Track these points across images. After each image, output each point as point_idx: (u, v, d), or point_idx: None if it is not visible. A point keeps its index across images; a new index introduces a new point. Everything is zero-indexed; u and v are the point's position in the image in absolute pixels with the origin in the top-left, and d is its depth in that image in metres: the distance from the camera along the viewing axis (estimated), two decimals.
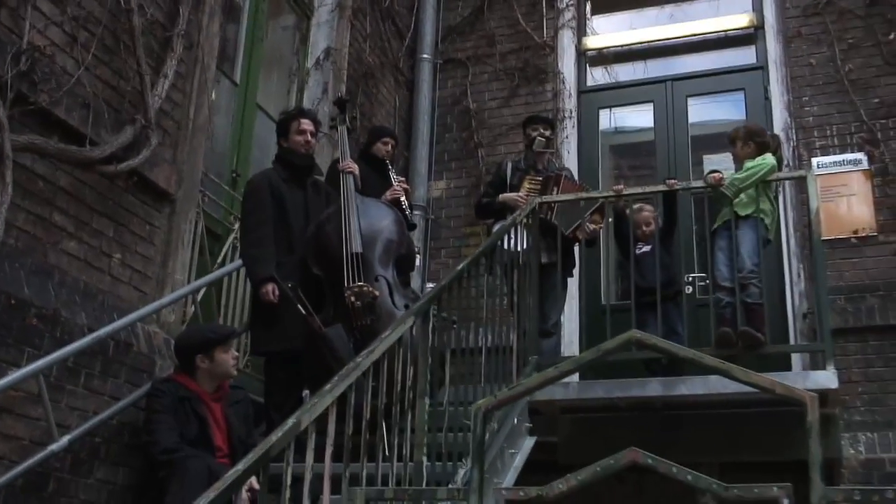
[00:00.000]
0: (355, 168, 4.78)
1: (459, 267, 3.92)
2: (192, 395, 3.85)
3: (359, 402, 2.94)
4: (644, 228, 5.28)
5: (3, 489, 3.26)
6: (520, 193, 5.44)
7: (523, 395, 3.26)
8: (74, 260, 3.90)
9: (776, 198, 5.56)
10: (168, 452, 3.58)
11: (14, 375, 3.28)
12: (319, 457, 2.68)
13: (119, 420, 3.87)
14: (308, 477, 2.57)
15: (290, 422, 2.50)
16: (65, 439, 3.50)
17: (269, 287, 4.32)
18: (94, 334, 3.71)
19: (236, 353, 4.09)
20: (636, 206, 5.34)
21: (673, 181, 5.09)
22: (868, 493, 2.04)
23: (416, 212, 6.97)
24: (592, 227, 5.35)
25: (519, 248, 4.77)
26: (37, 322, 3.51)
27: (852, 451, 5.42)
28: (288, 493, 2.47)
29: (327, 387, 2.69)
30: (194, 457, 3.55)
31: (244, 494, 3.38)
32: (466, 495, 2.30)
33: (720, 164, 5.87)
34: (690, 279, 6.02)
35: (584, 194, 5.20)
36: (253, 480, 3.31)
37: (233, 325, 4.82)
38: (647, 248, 5.19)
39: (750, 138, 5.06)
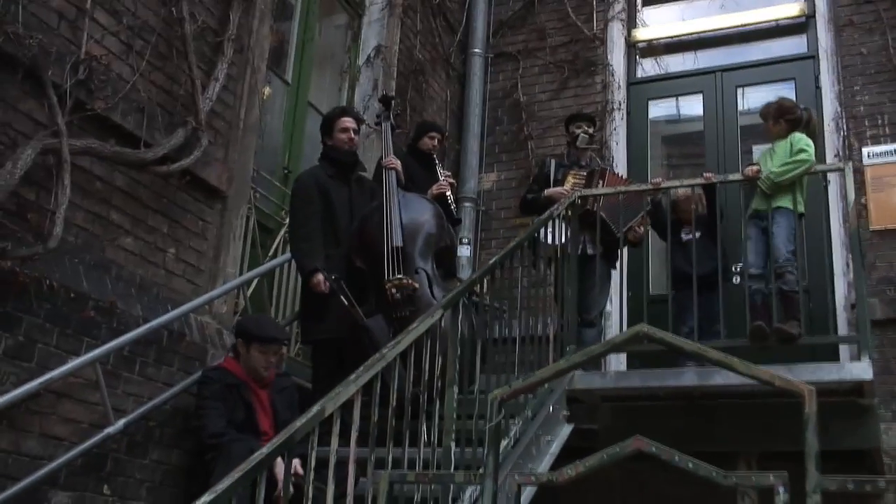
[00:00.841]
0: (397, 164, 4.92)
1: (492, 260, 4.04)
2: (240, 382, 4.06)
3: (386, 391, 3.11)
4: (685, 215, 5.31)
5: (64, 468, 3.53)
6: (565, 187, 5.51)
7: (536, 386, 3.39)
8: (130, 255, 4.15)
9: (825, 187, 5.56)
10: (215, 437, 3.81)
11: (74, 363, 3.54)
12: (347, 442, 2.85)
13: (172, 405, 4.10)
14: (332, 461, 2.74)
15: (315, 409, 2.67)
16: (121, 423, 3.75)
17: (319, 277, 4.48)
18: (149, 325, 3.95)
19: (274, 360, 4.20)
20: (680, 196, 5.40)
21: (710, 174, 5.15)
22: (861, 482, 2.11)
23: (466, 204, 7.13)
24: (641, 230, 5.41)
25: (557, 242, 4.86)
26: (95, 314, 3.76)
27: None
28: (312, 476, 2.65)
29: (352, 377, 2.85)
30: (238, 440, 3.76)
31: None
32: (482, 479, 2.44)
33: None
34: (738, 269, 6.00)
35: (623, 188, 5.25)
36: (297, 465, 3.53)
37: (285, 331, 4.83)
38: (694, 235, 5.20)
39: (781, 116, 5.08)
